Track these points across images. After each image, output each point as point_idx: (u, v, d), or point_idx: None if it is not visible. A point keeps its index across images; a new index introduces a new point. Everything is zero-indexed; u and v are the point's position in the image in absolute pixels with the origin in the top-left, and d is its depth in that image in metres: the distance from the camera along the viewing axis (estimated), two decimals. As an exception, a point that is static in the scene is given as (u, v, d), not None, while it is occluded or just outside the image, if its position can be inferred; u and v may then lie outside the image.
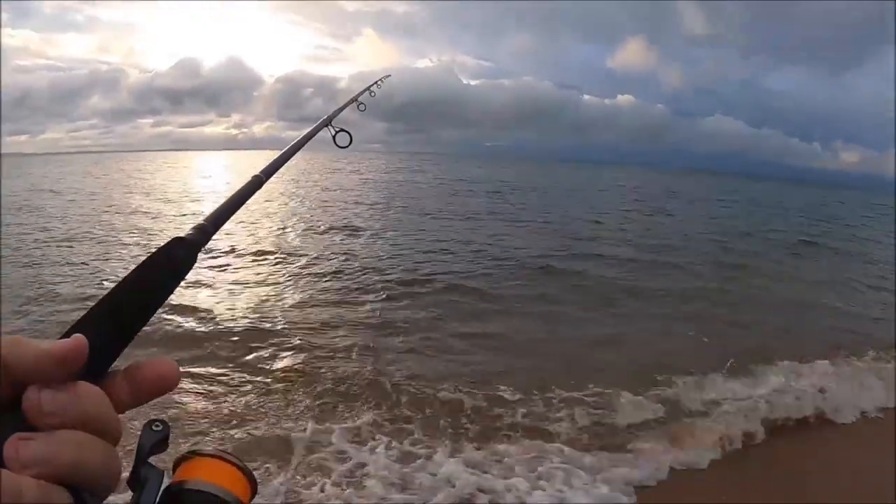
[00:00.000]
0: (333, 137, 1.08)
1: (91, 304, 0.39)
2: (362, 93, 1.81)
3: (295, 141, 0.91)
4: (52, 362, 0.31)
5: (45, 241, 10.76)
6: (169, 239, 0.44)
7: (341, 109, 1.34)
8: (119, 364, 0.37)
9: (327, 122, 1.10)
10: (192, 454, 0.45)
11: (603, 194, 32.26)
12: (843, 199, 49.69)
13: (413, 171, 45.68)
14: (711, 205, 28.40)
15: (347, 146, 1.07)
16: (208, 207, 0.53)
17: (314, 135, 1.01)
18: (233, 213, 0.55)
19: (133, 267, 0.41)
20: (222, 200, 0.56)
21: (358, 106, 1.63)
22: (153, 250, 0.43)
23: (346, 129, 1.06)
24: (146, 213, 16.02)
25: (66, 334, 0.34)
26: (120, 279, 0.40)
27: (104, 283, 7.69)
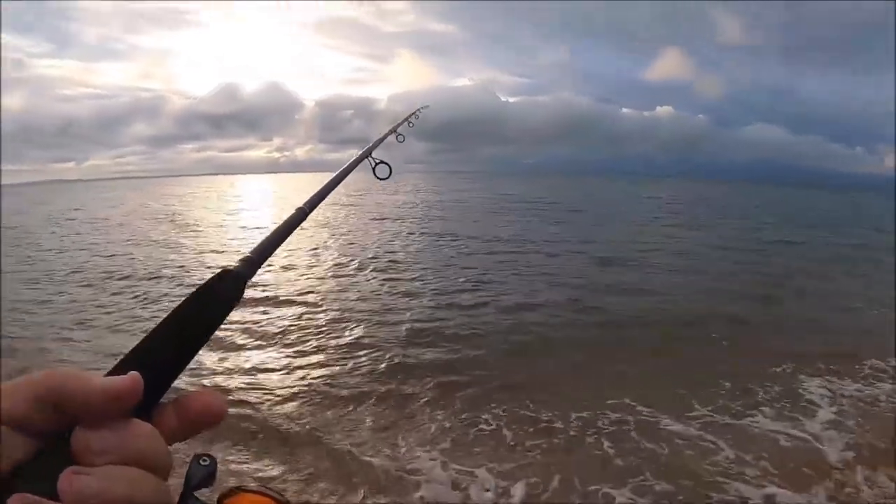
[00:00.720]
0: (373, 169, 1.10)
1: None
2: (401, 124, 1.85)
3: (336, 173, 0.94)
4: (107, 399, 0.31)
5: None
6: (218, 271, 0.45)
7: (380, 141, 1.36)
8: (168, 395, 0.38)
9: (367, 154, 1.13)
10: (238, 489, 0.45)
11: (651, 208, 31.65)
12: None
13: (456, 191, 45.58)
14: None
15: (387, 178, 1.08)
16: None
17: (354, 167, 1.04)
18: (279, 244, 0.57)
19: (182, 300, 0.42)
20: (268, 233, 0.57)
21: (397, 137, 1.66)
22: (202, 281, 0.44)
23: (386, 161, 1.08)
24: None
25: (118, 368, 0.35)
26: (169, 311, 0.41)
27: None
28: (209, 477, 0.40)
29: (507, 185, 58.44)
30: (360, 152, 1.14)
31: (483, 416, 4.59)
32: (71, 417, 0.31)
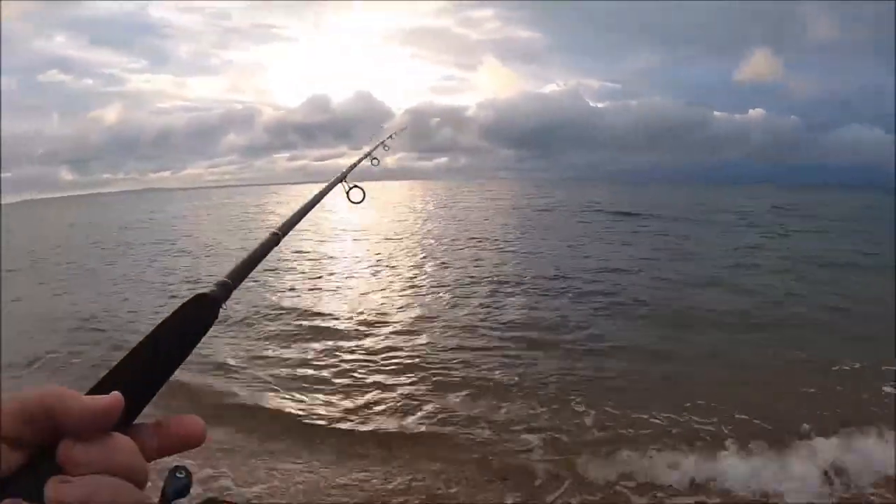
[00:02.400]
0: (347, 193, 1.13)
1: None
2: (376, 147, 1.89)
3: (311, 198, 0.97)
4: (92, 416, 0.34)
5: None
6: (194, 294, 0.48)
7: (355, 165, 1.40)
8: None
9: (342, 178, 1.16)
10: (212, 501, 0.48)
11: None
12: None
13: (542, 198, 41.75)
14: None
15: (361, 202, 1.12)
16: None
17: (329, 191, 1.07)
18: (252, 268, 0.59)
19: (159, 321, 0.45)
20: (243, 256, 0.60)
21: (372, 161, 1.70)
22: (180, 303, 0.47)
23: (359, 185, 1.11)
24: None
25: (101, 385, 0.38)
26: (147, 334, 0.43)
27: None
28: (184, 488, 0.42)
29: (598, 191, 54.23)
30: (334, 177, 1.17)
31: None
32: (58, 431, 0.34)
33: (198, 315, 0.46)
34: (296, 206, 0.88)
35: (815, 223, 22.73)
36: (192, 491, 0.43)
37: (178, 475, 0.43)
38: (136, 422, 0.39)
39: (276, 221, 0.80)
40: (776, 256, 13.40)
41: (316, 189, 1.07)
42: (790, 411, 4.84)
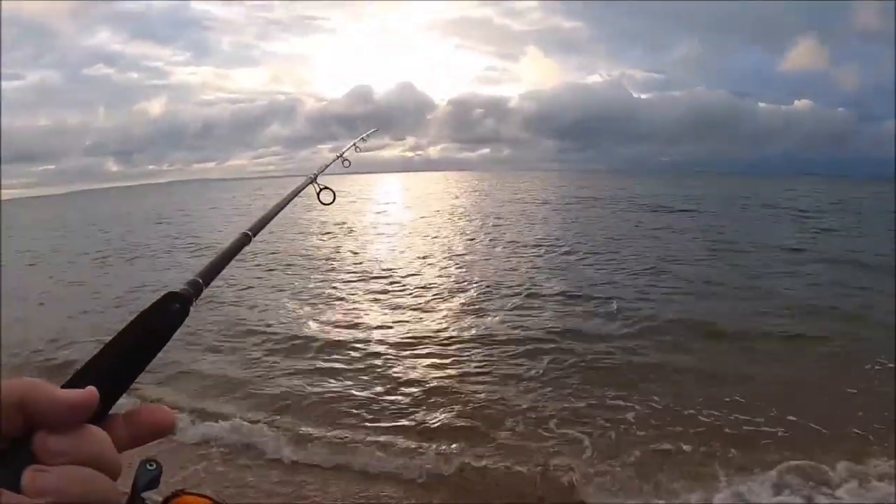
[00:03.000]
0: (318, 194, 1.15)
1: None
2: (347, 149, 1.90)
3: (281, 199, 0.98)
4: (66, 410, 0.36)
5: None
6: (164, 293, 0.49)
7: (326, 167, 1.41)
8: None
9: (312, 180, 1.17)
10: (181, 492, 0.49)
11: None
12: None
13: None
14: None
15: (331, 203, 1.13)
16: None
17: (299, 192, 1.08)
18: (222, 268, 0.61)
19: (131, 318, 0.46)
20: (213, 257, 0.62)
21: (343, 162, 1.71)
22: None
23: (329, 187, 1.13)
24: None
25: (75, 378, 0.39)
26: (119, 330, 0.45)
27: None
28: (154, 480, 0.44)
29: (652, 186, 50.55)
30: (305, 178, 1.19)
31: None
32: (34, 423, 0.35)
33: (169, 313, 0.47)
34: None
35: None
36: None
37: (148, 467, 0.44)
38: (108, 413, 0.40)
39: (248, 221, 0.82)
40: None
41: (290, 188, 1.08)
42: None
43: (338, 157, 1.67)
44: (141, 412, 0.41)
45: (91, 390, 0.37)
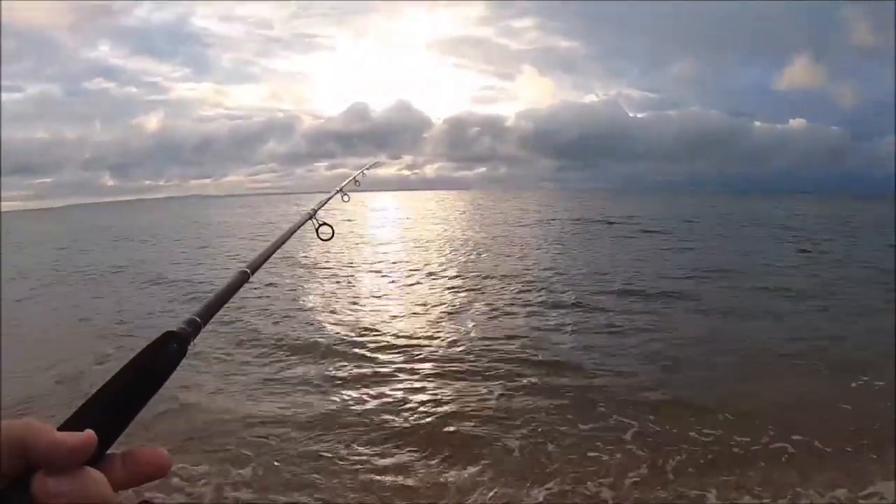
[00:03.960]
0: (317, 230, 1.17)
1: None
2: (347, 182, 1.94)
3: (280, 236, 0.99)
4: (65, 453, 0.36)
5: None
6: (162, 333, 0.50)
7: (326, 202, 1.44)
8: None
9: (311, 216, 1.19)
10: None
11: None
12: None
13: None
14: None
15: (329, 239, 1.15)
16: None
17: (298, 228, 1.10)
18: (221, 306, 0.62)
19: (129, 359, 0.47)
20: (212, 295, 0.63)
21: (342, 197, 1.73)
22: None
23: (328, 223, 1.15)
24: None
25: (73, 419, 0.40)
26: (118, 370, 0.45)
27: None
28: None
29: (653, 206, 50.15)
30: (305, 213, 1.21)
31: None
32: (31, 464, 0.36)
33: (166, 353, 0.48)
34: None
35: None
36: None
37: None
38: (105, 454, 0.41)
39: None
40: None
41: (287, 225, 1.10)
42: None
43: (337, 192, 1.69)
44: (137, 454, 0.42)
45: (89, 434, 0.38)
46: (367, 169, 2.52)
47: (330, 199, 1.53)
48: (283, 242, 0.98)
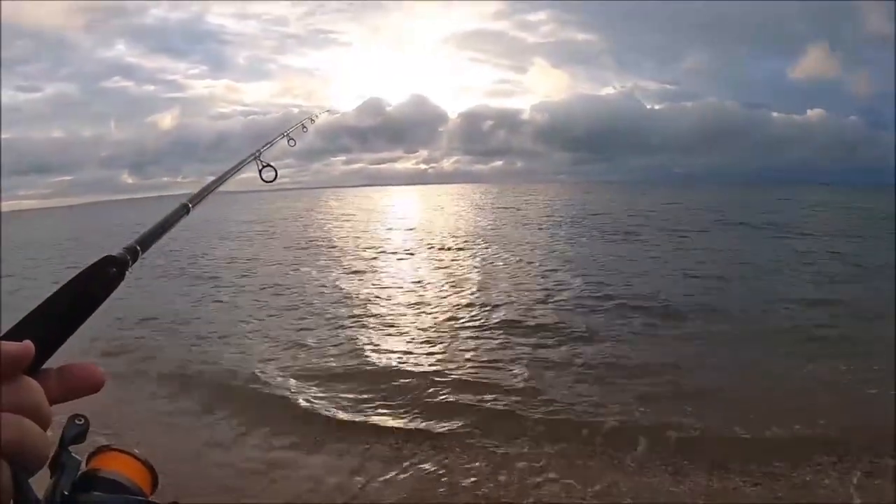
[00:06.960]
0: (259, 172, 1.15)
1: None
2: (293, 128, 1.88)
3: (222, 173, 0.98)
4: (5, 361, 0.37)
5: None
6: (102, 256, 0.50)
7: (270, 144, 1.40)
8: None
9: (256, 156, 1.17)
10: (105, 448, 0.51)
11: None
12: None
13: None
14: None
15: (273, 181, 1.14)
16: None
17: (241, 167, 1.08)
18: (160, 236, 0.62)
19: (69, 279, 0.47)
20: (151, 225, 0.63)
21: (288, 141, 1.69)
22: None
23: (272, 164, 1.13)
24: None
25: (13, 332, 0.40)
26: (58, 288, 0.46)
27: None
28: (82, 435, 0.45)
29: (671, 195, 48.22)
30: (248, 153, 1.18)
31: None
32: None
33: (105, 275, 0.49)
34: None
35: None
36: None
37: (76, 421, 0.46)
38: (42, 368, 0.42)
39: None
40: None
41: (233, 162, 1.08)
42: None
43: (281, 136, 1.65)
44: (73, 368, 0.42)
45: (27, 344, 0.38)
46: (316, 117, 2.46)
47: (275, 141, 1.50)
48: (224, 180, 0.97)
